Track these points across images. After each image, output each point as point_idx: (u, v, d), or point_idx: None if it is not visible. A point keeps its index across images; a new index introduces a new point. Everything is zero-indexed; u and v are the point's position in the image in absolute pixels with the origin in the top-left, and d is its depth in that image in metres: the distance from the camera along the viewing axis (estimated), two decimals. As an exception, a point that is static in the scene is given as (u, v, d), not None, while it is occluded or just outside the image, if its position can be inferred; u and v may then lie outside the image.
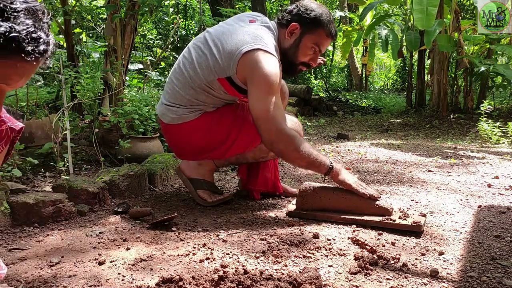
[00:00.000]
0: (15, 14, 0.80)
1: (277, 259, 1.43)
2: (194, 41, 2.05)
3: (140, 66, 6.44)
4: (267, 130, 1.83)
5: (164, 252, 1.49)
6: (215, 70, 1.89)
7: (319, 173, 1.94)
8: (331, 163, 1.88)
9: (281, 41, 1.99)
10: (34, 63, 0.84)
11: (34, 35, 0.81)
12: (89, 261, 1.42)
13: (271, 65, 1.81)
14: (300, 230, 1.71)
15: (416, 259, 1.45)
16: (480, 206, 2.10)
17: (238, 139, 2.02)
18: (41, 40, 0.83)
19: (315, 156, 1.87)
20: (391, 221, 1.74)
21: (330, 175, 1.87)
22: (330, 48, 14.35)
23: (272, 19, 2.08)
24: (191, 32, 10.25)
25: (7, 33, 0.78)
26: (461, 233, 1.72)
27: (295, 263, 1.41)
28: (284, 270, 1.34)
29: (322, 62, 2.22)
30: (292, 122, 2.15)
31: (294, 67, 2.02)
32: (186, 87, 1.96)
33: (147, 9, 3.91)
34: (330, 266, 1.38)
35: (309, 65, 2.06)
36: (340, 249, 1.51)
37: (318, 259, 1.44)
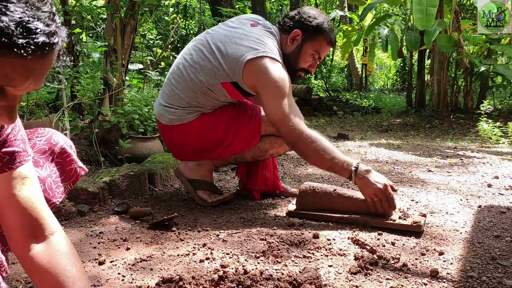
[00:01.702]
0: (3, 3, 0.67)
1: (277, 259, 1.43)
2: (195, 42, 2.05)
3: (140, 66, 6.44)
4: (288, 133, 1.85)
5: (164, 252, 1.49)
6: (219, 74, 1.90)
7: (342, 177, 1.89)
8: (355, 168, 1.79)
9: (283, 47, 2.02)
10: (37, 59, 0.71)
11: (28, 25, 0.68)
12: (89, 261, 1.42)
13: (278, 70, 1.85)
14: (300, 230, 1.71)
15: (416, 259, 1.45)
16: (480, 206, 2.10)
17: (236, 139, 2.02)
18: (38, 31, 0.69)
19: (337, 159, 1.81)
20: (391, 221, 1.74)
21: (352, 180, 1.81)
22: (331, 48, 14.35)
23: (272, 19, 2.09)
24: (191, 32, 10.25)
25: None
26: (461, 233, 1.72)
27: (295, 263, 1.41)
28: (284, 270, 1.34)
29: (319, 62, 2.24)
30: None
31: (294, 73, 2.05)
32: (186, 89, 1.96)
33: (147, 9, 3.91)
34: (330, 266, 1.38)
35: (308, 71, 2.09)
36: (340, 249, 1.51)
37: (318, 259, 1.44)
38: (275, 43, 1.97)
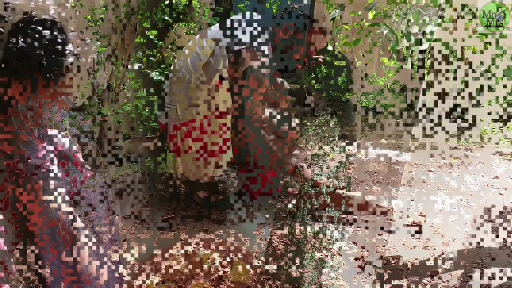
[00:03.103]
0: (36, 29, 0.74)
1: (277, 259, 1.43)
2: (192, 41, 2.08)
3: (140, 66, 6.44)
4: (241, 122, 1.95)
5: (164, 252, 1.49)
6: (208, 69, 1.92)
7: None
8: None
9: (276, 40, 2.04)
10: (63, 79, 0.79)
11: (57, 47, 0.76)
12: (89, 261, 1.42)
13: (262, 64, 1.88)
14: (300, 230, 1.72)
15: (416, 259, 1.45)
16: (480, 206, 2.10)
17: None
18: (67, 52, 0.78)
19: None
20: (391, 221, 1.74)
21: None
22: (330, 48, 14.36)
23: (270, 19, 2.12)
24: (191, 32, 10.26)
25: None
26: (461, 233, 1.72)
27: (295, 263, 1.41)
28: (284, 270, 1.34)
29: (320, 60, 2.25)
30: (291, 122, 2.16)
31: (289, 65, 2.06)
32: (184, 88, 1.98)
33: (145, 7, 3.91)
34: (330, 266, 1.38)
35: (303, 63, 2.11)
36: (340, 249, 1.51)
37: (318, 259, 1.44)
38: (267, 37, 2.00)
